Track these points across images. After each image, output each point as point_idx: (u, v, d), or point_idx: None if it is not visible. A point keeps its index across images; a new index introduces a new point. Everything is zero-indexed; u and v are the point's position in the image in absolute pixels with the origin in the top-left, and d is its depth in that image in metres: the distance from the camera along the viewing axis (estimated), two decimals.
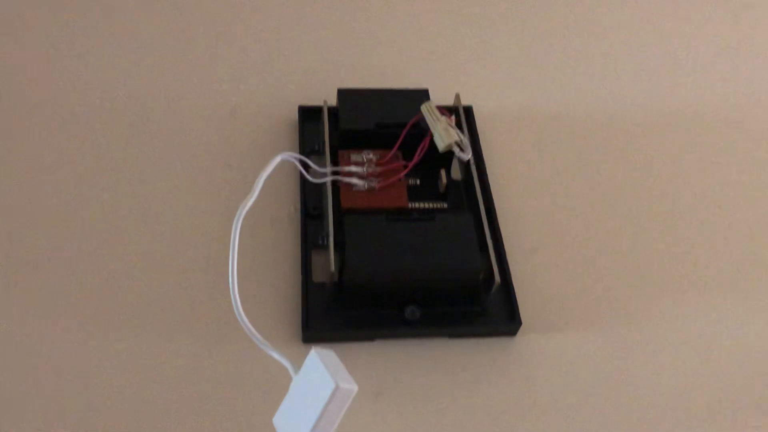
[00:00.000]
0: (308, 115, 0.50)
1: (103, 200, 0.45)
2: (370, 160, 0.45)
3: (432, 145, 0.44)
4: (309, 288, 0.41)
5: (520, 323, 0.41)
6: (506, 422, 0.39)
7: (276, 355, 0.34)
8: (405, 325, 0.40)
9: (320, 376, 0.31)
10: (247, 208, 0.36)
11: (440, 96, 0.50)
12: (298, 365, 0.33)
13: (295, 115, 0.51)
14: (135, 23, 0.56)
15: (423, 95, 0.47)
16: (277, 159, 0.39)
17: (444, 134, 0.43)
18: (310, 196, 0.45)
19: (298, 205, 0.45)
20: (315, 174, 0.44)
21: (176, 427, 0.37)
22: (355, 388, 0.31)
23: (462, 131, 0.47)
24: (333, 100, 0.49)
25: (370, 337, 0.40)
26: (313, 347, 0.32)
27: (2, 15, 0.55)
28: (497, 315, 0.41)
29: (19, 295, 0.41)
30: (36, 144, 0.48)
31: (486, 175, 0.47)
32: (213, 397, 0.38)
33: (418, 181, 0.46)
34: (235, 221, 0.35)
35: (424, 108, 0.44)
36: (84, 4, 0.56)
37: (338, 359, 0.33)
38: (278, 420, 0.33)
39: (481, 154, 0.49)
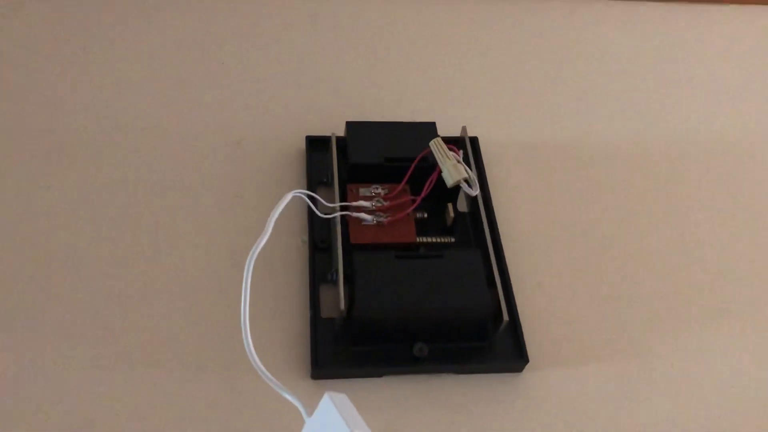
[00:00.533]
0: (316, 145, 0.50)
1: (109, 237, 0.45)
2: (378, 194, 0.45)
3: (439, 179, 0.44)
4: (317, 323, 0.41)
5: (527, 360, 0.41)
6: None
7: (288, 396, 0.34)
8: (413, 361, 0.41)
9: (335, 422, 0.31)
10: (259, 248, 0.36)
11: (447, 127, 0.51)
12: (307, 403, 0.33)
13: (302, 145, 0.51)
14: (144, 53, 0.56)
15: (431, 128, 0.48)
16: (288, 196, 0.39)
17: (453, 171, 0.43)
18: (318, 229, 0.45)
19: (306, 237, 0.45)
20: (324, 208, 0.44)
21: None
22: None
23: (468, 162, 0.48)
24: (340, 131, 0.49)
25: (379, 374, 0.41)
26: (326, 392, 0.33)
27: (13, 41, 0.55)
28: (504, 351, 0.42)
29: (29, 337, 0.40)
30: (39, 175, 0.48)
31: (492, 209, 0.48)
32: None
33: (425, 215, 0.46)
34: (247, 263, 0.35)
35: (433, 144, 0.44)
36: (93, 33, 0.56)
37: (351, 404, 0.33)
38: None
39: (487, 185, 0.49)
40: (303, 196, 0.41)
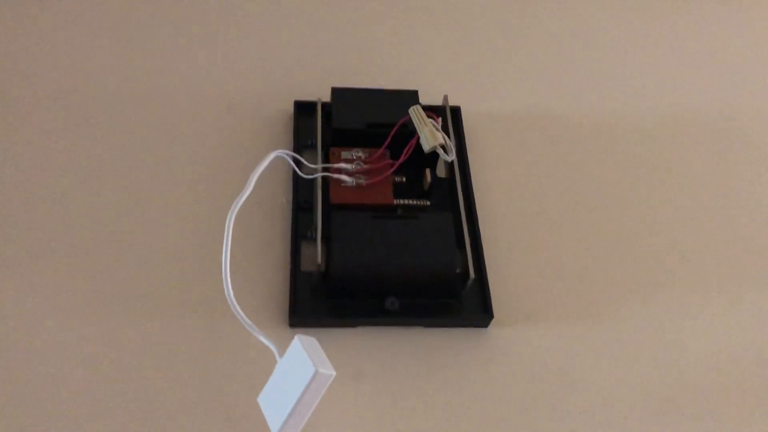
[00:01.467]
0: (303, 109, 0.52)
1: (100, 191, 0.48)
2: (359, 158, 0.47)
3: (418, 145, 0.47)
4: (297, 276, 0.44)
5: (492, 316, 0.44)
6: (476, 406, 0.42)
7: (262, 339, 0.37)
8: (385, 314, 0.43)
9: (302, 360, 0.34)
10: (241, 202, 0.39)
11: (430, 96, 0.53)
12: (283, 349, 0.36)
13: (291, 110, 0.53)
14: (132, 18, 0.58)
15: (412, 96, 0.50)
16: (271, 156, 0.42)
17: (430, 137, 0.45)
18: (302, 190, 0.48)
19: (290, 197, 0.48)
20: (307, 169, 0.46)
21: (167, 403, 0.40)
22: (333, 373, 0.34)
23: (448, 132, 0.50)
24: (327, 97, 0.51)
25: (352, 324, 0.44)
26: (297, 334, 0.35)
27: (4, 7, 0.57)
28: (471, 307, 0.44)
29: (18, 283, 0.43)
30: (30, 136, 0.50)
31: (469, 175, 0.50)
32: (203, 377, 0.41)
33: (404, 179, 0.49)
34: (229, 215, 0.38)
35: (412, 111, 0.46)
36: None
37: (320, 346, 0.36)
38: (263, 399, 0.36)
39: (466, 155, 0.52)
40: (285, 156, 0.44)
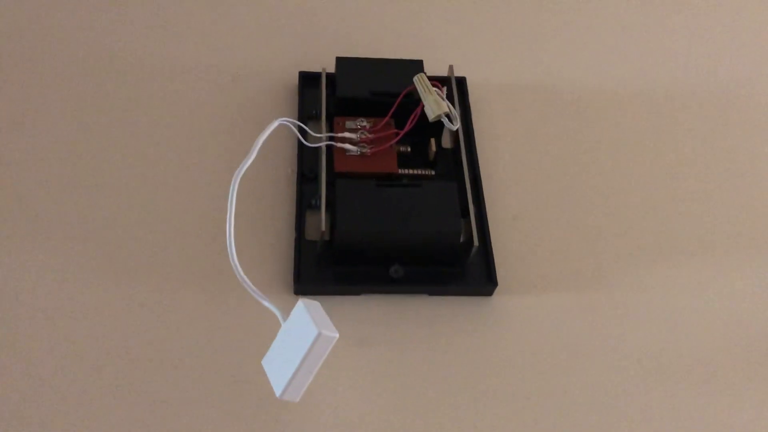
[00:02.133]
0: (308, 80, 0.52)
1: (104, 162, 0.48)
2: (363, 127, 0.47)
3: (422, 115, 0.47)
4: (302, 245, 0.44)
5: (495, 284, 0.44)
6: (480, 374, 0.42)
7: (267, 304, 0.37)
8: (389, 282, 0.43)
9: (305, 323, 0.34)
10: (245, 168, 0.39)
11: (435, 67, 0.53)
12: (287, 314, 0.37)
13: (295, 80, 0.53)
14: None
15: (417, 66, 0.49)
16: (275, 123, 0.42)
17: (434, 105, 0.45)
18: (307, 159, 0.48)
19: (296, 167, 0.48)
20: (311, 139, 0.46)
21: (173, 368, 0.40)
22: (336, 335, 0.34)
23: (453, 102, 0.50)
24: (332, 68, 0.51)
25: (357, 292, 0.44)
26: (300, 298, 0.36)
27: None
28: (475, 276, 0.45)
29: (25, 256, 0.44)
30: (35, 104, 0.50)
31: (474, 145, 0.50)
32: (208, 341, 0.41)
33: (408, 149, 0.48)
34: (233, 180, 0.38)
35: (416, 79, 0.46)
36: None
37: (323, 310, 0.36)
38: (267, 362, 0.36)
39: (472, 125, 0.51)
40: (289, 124, 0.44)
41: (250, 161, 0.39)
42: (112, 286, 0.43)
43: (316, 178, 0.47)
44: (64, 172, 0.47)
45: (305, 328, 0.34)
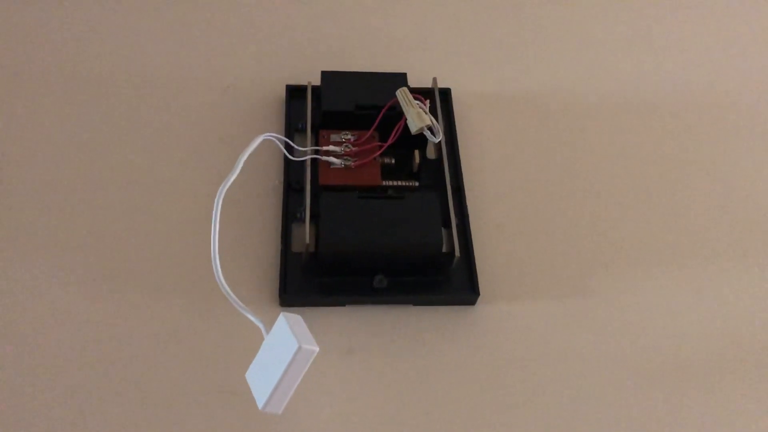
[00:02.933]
0: (295, 93, 0.53)
1: (90, 173, 0.49)
2: (348, 140, 0.48)
3: (406, 127, 0.47)
4: (288, 257, 0.45)
5: (478, 293, 0.45)
6: (464, 383, 0.43)
7: (251, 317, 0.38)
8: (373, 292, 0.44)
9: (286, 337, 0.35)
10: (228, 184, 0.40)
11: (420, 79, 0.53)
12: (271, 326, 0.37)
13: (283, 93, 0.54)
14: (127, 3, 0.59)
15: (401, 79, 0.50)
16: (259, 139, 0.43)
17: (416, 119, 0.46)
18: (293, 171, 0.49)
19: (282, 179, 0.49)
20: (297, 152, 0.47)
21: (157, 380, 0.41)
22: (316, 349, 0.35)
23: (437, 114, 0.50)
24: (318, 81, 0.52)
25: (341, 303, 0.45)
26: (281, 312, 0.37)
27: None
28: (458, 285, 0.45)
29: (13, 265, 0.44)
30: (25, 118, 0.51)
31: (458, 155, 0.51)
32: (192, 354, 0.42)
33: (393, 161, 0.49)
34: (217, 196, 0.39)
35: (399, 93, 0.47)
36: None
37: (304, 324, 0.37)
38: (250, 375, 0.37)
39: (456, 136, 0.52)
40: (273, 138, 0.45)
41: (233, 177, 0.40)
42: (95, 296, 0.43)
43: (302, 190, 0.48)
44: (53, 181, 0.48)
45: (286, 342, 0.35)
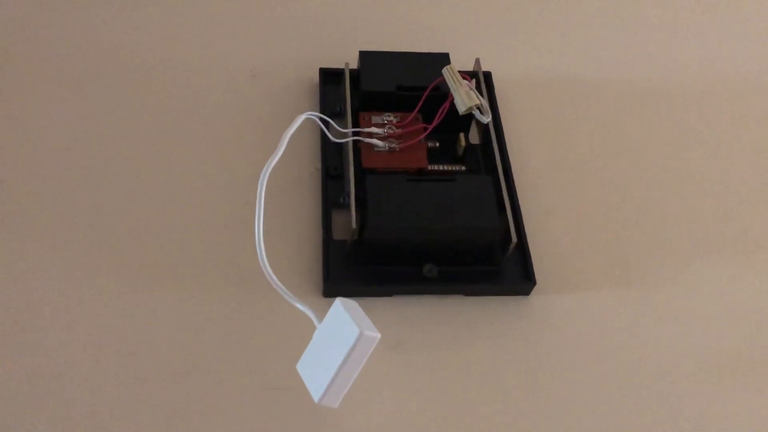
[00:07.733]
0: (329, 77, 0.50)
1: (129, 162, 0.46)
2: (390, 122, 0.45)
3: (451, 108, 0.45)
4: (330, 245, 0.42)
5: (534, 283, 0.42)
6: (517, 377, 0.40)
7: (300, 306, 0.35)
8: (422, 282, 0.41)
9: (345, 323, 0.32)
10: (272, 164, 0.37)
11: (460, 61, 0.51)
12: (319, 316, 0.35)
13: (316, 77, 0.51)
14: None
15: (443, 59, 0.48)
16: (302, 117, 0.40)
17: (465, 97, 0.44)
18: (330, 157, 0.46)
19: (319, 165, 0.46)
20: (336, 134, 0.45)
21: (204, 373, 0.38)
22: (378, 335, 0.32)
23: (481, 94, 0.48)
24: (354, 63, 0.49)
25: (389, 293, 0.42)
26: (337, 297, 0.34)
27: None
28: (512, 274, 0.43)
29: (54, 258, 0.42)
30: (58, 106, 0.48)
31: (504, 138, 0.48)
32: (238, 347, 0.39)
33: (437, 144, 0.47)
34: (261, 177, 0.36)
35: (445, 71, 0.44)
36: None
37: (361, 309, 0.34)
38: (302, 367, 0.34)
39: (500, 119, 0.50)
40: (315, 118, 0.42)
41: (278, 157, 0.37)
42: (138, 291, 0.41)
43: (340, 176, 0.45)
44: (88, 175, 0.45)
45: (345, 329, 0.32)
